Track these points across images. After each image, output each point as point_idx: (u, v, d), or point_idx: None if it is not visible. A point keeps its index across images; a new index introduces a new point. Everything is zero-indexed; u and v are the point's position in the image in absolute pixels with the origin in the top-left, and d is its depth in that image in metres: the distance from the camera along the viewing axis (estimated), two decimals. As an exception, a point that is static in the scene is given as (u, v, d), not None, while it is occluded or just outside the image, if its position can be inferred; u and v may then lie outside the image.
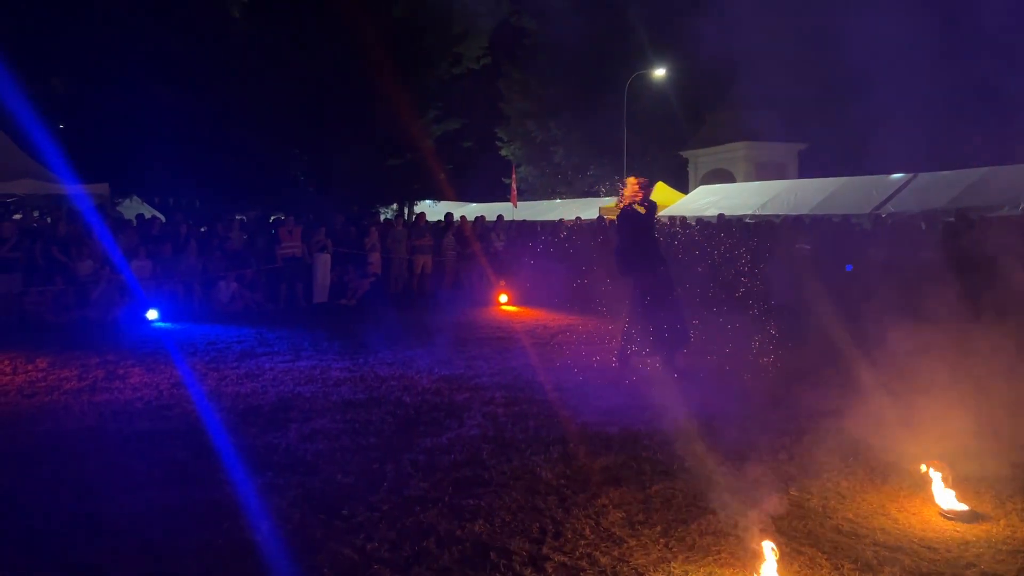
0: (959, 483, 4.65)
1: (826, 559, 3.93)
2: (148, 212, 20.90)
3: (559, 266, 14.61)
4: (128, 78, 20.38)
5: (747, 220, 20.80)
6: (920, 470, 4.79)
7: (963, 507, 4.49)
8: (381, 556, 3.99)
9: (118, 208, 21.98)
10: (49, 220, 15.45)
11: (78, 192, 16.28)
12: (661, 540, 4.17)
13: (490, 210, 26.56)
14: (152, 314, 12.33)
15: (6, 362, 8.95)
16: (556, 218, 25.53)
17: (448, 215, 18.48)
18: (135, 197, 24.55)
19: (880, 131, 25.06)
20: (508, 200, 28.97)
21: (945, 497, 4.54)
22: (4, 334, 11.09)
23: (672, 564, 3.92)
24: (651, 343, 8.09)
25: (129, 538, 4.21)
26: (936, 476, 4.62)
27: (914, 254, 13.56)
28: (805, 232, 17.01)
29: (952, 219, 15.65)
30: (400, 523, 4.37)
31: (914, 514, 4.52)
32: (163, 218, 18.20)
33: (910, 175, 20.22)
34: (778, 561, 3.68)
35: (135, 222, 15.33)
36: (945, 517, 4.44)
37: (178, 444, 5.84)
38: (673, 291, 8.28)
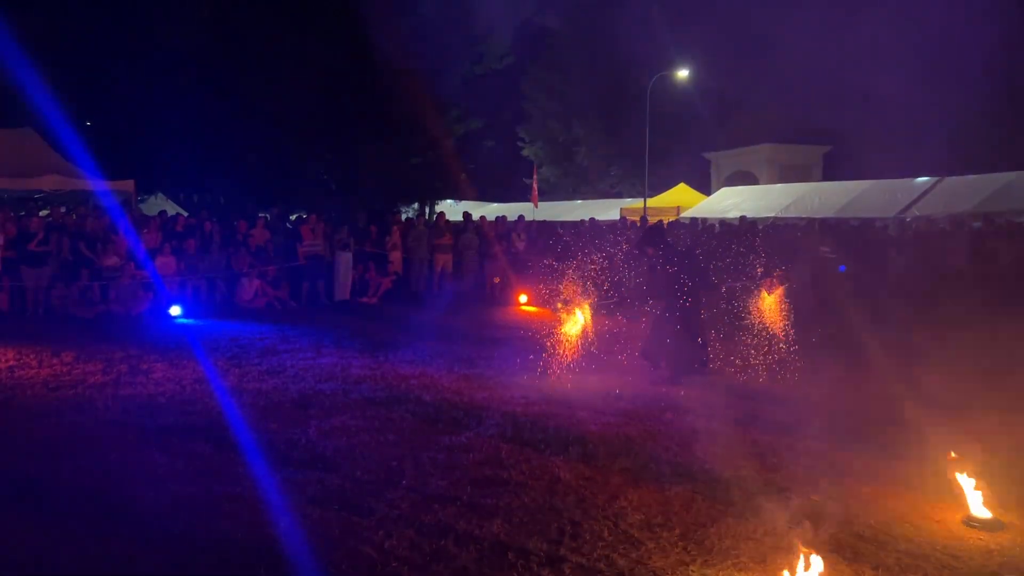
0: (983, 491, 4.58)
1: (847, 565, 3.90)
2: (172, 209, 21.08)
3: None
4: (153, 77, 20.59)
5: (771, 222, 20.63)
6: (949, 476, 4.73)
7: (987, 515, 4.43)
8: (400, 554, 4.00)
9: (142, 205, 22.19)
10: (75, 216, 15.63)
11: (104, 188, 16.49)
12: (680, 543, 4.15)
13: (511, 210, 26.54)
14: (175, 310, 12.46)
15: (32, 356, 9.08)
16: (577, 218, 25.45)
17: (466, 214, 18.49)
18: (160, 194, 24.79)
19: (906, 134, 24.80)
20: (529, 200, 28.95)
21: (975, 503, 4.48)
22: (31, 328, 11.26)
23: (690, 567, 3.90)
24: (669, 362, 8.12)
25: (153, 530, 4.26)
26: (968, 483, 4.55)
27: (940, 259, 13.40)
28: (828, 235, 16.83)
29: (979, 224, 15.47)
30: (419, 521, 4.38)
31: (937, 521, 4.47)
32: (187, 215, 18.36)
33: (936, 179, 19.98)
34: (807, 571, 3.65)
35: (159, 218, 15.47)
36: (969, 525, 4.39)
37: (200, 439, 5.89)
38: (697, 315, 8.27)
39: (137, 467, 5.27)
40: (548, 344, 8.36)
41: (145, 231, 14.23)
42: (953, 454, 4.82)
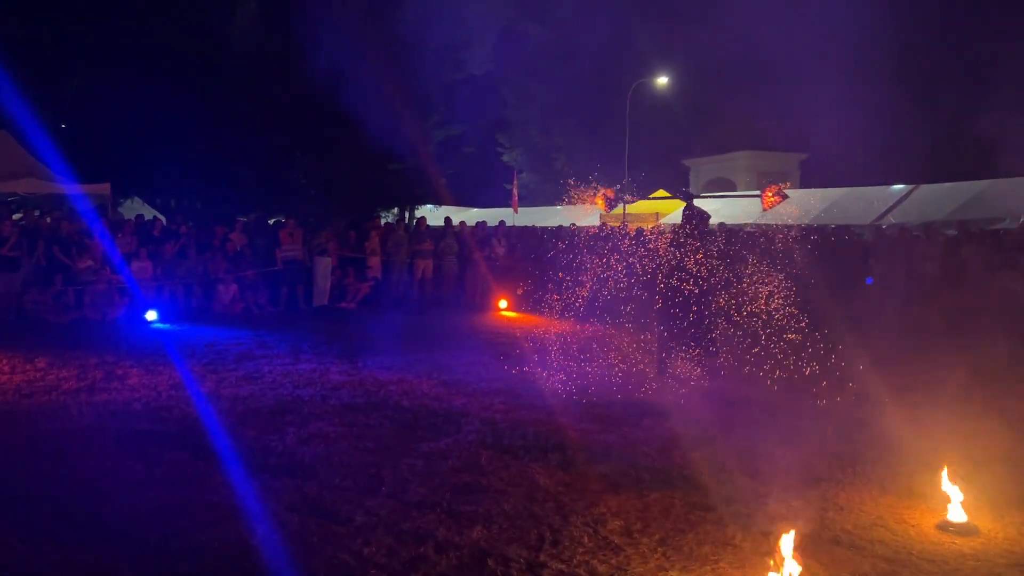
0: (958, 496, 4.63)
1: (824, 571, 3.93)
2: (149, 213, 20.86)
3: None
4: (130, 79, 20.39)
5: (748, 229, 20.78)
6: (926, 481, 4.78)
7: (962, 520, 4.48)
8: (378, 561, 3.98)
9: (119, 209, 21.95)
10: (49, 220, 15.42)
11: (79, 192, 16.28)
12: (659, 549, 4.16)
13: (491, 215, 26.56)
14: (151, 315, 12.33)
15: (4, 361, 8.94)
16: (557, 224, 25.50)
17: (447, 219, 18.47)
18: (136, 198, 24.53)
19: (882, 141, 25.12)
20: (509, 206, 28.97)
21: (949, 508, 4.52)
22: (3, 333, 11.09)
23: (670, 573, 3.91)
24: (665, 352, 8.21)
25: (128, 539, 4.20)
26: (943, 487, 4.60)
27: (914, 266, 13.55)
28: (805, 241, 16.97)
29: (954, 231, 15.67)
30: (398, 528, 4.36)
31: (913, 526, 4.52)
32: (164, 219, 18.19)
33: (911, 186, 20.25)
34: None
35: (136, 223, 15.30)
36: (943, 530, 4.44)
37: (176, 446, 5.83)
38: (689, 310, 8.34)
39: (112, 475, 5.20)
40: (528, 350, 8.37)
41: (121, 235, 14.07)
42: (927, 459, 4.87)
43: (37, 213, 16.07)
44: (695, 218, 8.49)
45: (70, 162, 16.58)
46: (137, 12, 20.69)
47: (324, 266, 15.01)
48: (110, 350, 9.82)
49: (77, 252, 13.34)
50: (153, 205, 24.18)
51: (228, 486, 4.99)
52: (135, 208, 22.95)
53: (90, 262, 13.23)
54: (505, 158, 42.83)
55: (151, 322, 12.22)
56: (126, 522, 4.41)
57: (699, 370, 8.24)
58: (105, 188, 17.50)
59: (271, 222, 18.77)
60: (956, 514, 4.50)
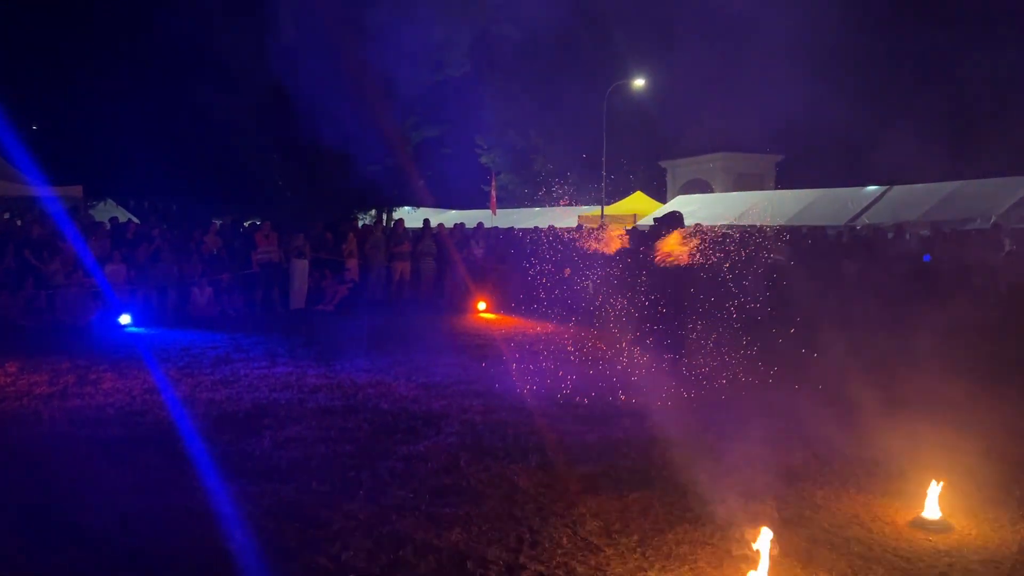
0: (932, 493, 4.69)
1: (802, 569, 3.95)
2: (123, 216, 20.63)
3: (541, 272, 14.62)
4: (103, 80, 20.15)
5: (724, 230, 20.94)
6: (906, 478, 4.82)
7: (936, 516, 4.53)
8: (356, 565, 3.96)
9: (92, 211, 21.68)
10: (20, 223, 15.19)
11: (51, 194, 16.05)
12: (638, 549, 4.17)
13: (469, 217, 26.54)
14: (125, 319, 12.17)
15: (-25, 366, 8.80)
16: (535, 225, 25.54)
17: (426, 221, 18.43)
18: (109, 200, 24.24)
19: (856, 144, 25.43)
20: (488, 207, 28.97)
21: (924, 505, 4.57)
22: (-27, 338, 10.91)
23: (649, 573, 3.92)
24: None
25: (102, 546, 4.14)
26: (926, 486, 4.64)
27: (887, 266, 13.72)
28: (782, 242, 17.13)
29: (927, 232, 15.89)
30: (376, 532, 4.33)
31: (888, 524, 4.56)
32: (138, 221, 18.00)
33: (885, 187, 20.51)
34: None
35: (108, 225, 15.11)
36: (918, 527, 4.48)
37: (151, 451, 5.76)
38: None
39: (84, 481, 5.12)
40: (507, 351, 8.36)
41: (94, 238, 13.89)
42: (902, 458, 4.92)
43: (7, 216, 15.84)
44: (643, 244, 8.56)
45: (41, 164, 16.35)
46: (107, 14, 20.45)
47: (301, 268, 14.92)
48: (83, 354, 9.68)
49: (48, 255, 13.15)
50: (126, 207, 23.93)
51: (204, 491, 4.93)
52: (108, 211, 22.68)
53: (62, 265, 13.04)
54: (483, 159, 42.81)
55: (125, 326, 12.07)
56: (100, 530, 4.34)
57: (678, 371, 8.28)
58: (77, 190, 17.29)
59: (246, 224, 18.63)
60: (931, 511, 4.55)
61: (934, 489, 4.58)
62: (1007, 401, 7.29)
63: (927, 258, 13.95)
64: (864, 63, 27.11)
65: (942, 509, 4.57)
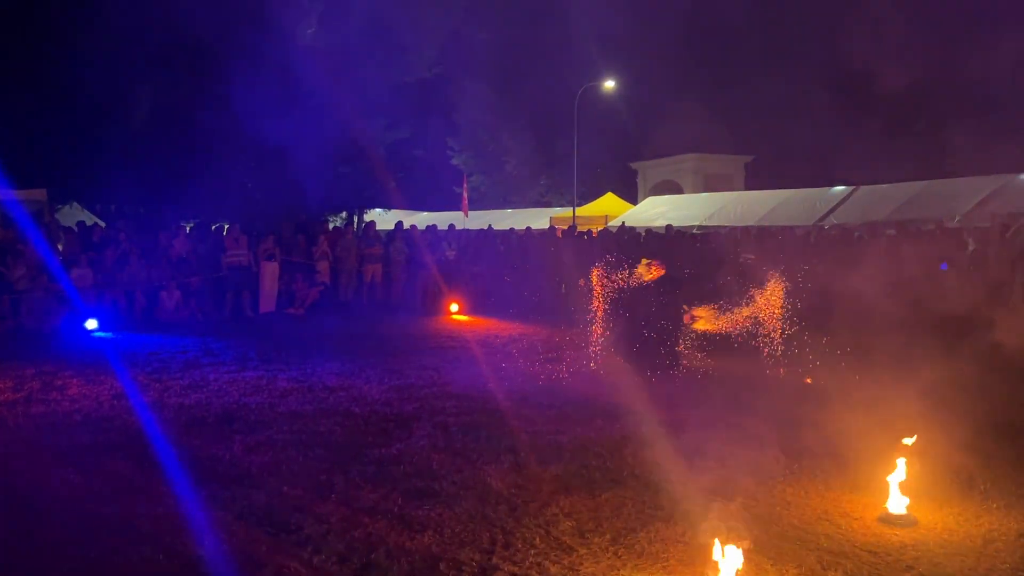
0: (898, 488, 4.77)
1: (771, 564, 4.00)
2: (89, 219, 20.28)
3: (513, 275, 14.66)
4: (66, 78, 19.77)
5: (695, 231, 21.12)
6: (874, 475, 4.89)
7: (902, 511, 4.61)
8: (329, 569, 3.94)
9: (56, 215, 21.28)
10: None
11: (13, 198, 15.74)
12: (611, 548, 4.20)
13: (441, 219, 26.49)
14: (92, 324, 11.98)
15: (-64, 373, 8.61)
16: (507, 227, 25.57)
17: (399, 223, 18.37)
18: (75, 204, 23.80)
19: (823, 145, 25.76)
20: (460, 209, 28.94)
21: (890, 500, 4.65)
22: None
23: (621, 572, 3.94)
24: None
25: (67, 554, 4.07)
26: (892, 480, 4.71)
27: (856, 266, 13.89)
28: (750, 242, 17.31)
29: (892, 231, 16.13)
30: (349, 535, 4.31)
31: (856, 519, 4.63)
32: (104, 225, 17.71)
33: (852, 188, 20.80)
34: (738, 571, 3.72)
35: (76, 229, 14.86)
36: (884, 522, 4.56)
37: (119, 457, 5.68)
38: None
39: (48, 489, 5.03)
40: (479, 353, 8.36)
41: (60, 242, 13.65)
42: (869, 453, 5.00)
43: (-31, 220, 15.52)
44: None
45: (4, 167, 16.02)
46: (67, 12, 20.05)
47: (271, 271, 14.79)
48: (49, 360, 9.51)
49: (12, 259, 12.91)
50: (92, 211, 23.51)
51: (173, 497, 4.87)
52: (74, 214, 22.27)
53: (26, 270, 12.80)
54: (455, 161, 42.78)
55: (92, 331, 11.88)
56: (65, 537, 4.27)
57: (649, 370, 8.33)
58: (41, 194, 16.99)
59: (215, 227, 18.41)
60: (896, 506, 4.63)
61: (898, 484, 4.66)
62: (971, 395, 7.42)
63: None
64: (834, 64, 27.48)
65: (908, 504, 4.64)
